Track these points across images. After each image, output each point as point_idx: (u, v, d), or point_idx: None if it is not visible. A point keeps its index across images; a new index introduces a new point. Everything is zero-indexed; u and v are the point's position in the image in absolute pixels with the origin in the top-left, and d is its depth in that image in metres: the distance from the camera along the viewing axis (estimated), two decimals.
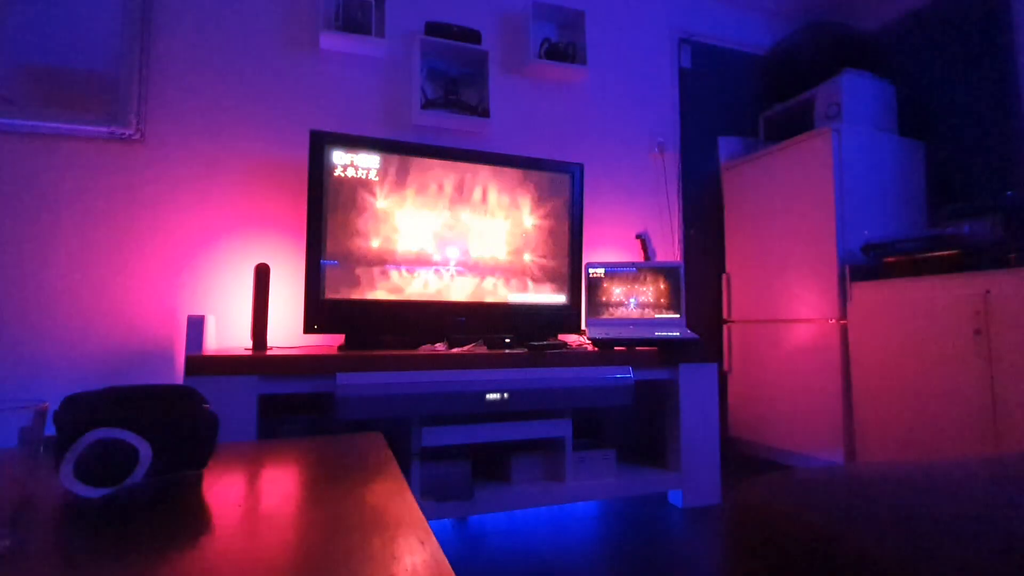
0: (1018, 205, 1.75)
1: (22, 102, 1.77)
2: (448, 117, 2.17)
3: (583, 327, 2.12)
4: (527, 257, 2.05)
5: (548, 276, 2.08)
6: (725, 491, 1.94)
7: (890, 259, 2.02)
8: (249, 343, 1.95)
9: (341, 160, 1.83)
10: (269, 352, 1.58)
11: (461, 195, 1.98)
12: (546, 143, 2.46)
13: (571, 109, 2.52)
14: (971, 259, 1.83)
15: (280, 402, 1.74)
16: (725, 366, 2.62)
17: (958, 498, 0.44)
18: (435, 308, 1.91)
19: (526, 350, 1.74)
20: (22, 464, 0.41)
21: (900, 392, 1.91)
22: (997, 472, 0.51)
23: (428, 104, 2.18)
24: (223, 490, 0.55)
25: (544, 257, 2.08)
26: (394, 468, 0.63)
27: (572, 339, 2.14)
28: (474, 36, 2.22)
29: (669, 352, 1.87)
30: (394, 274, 1.88)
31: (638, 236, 2.55)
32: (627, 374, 1.77)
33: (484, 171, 2.01)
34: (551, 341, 1.94)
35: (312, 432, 1.66)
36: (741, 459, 2.51)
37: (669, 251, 2.64)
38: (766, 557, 0.46)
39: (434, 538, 0.42)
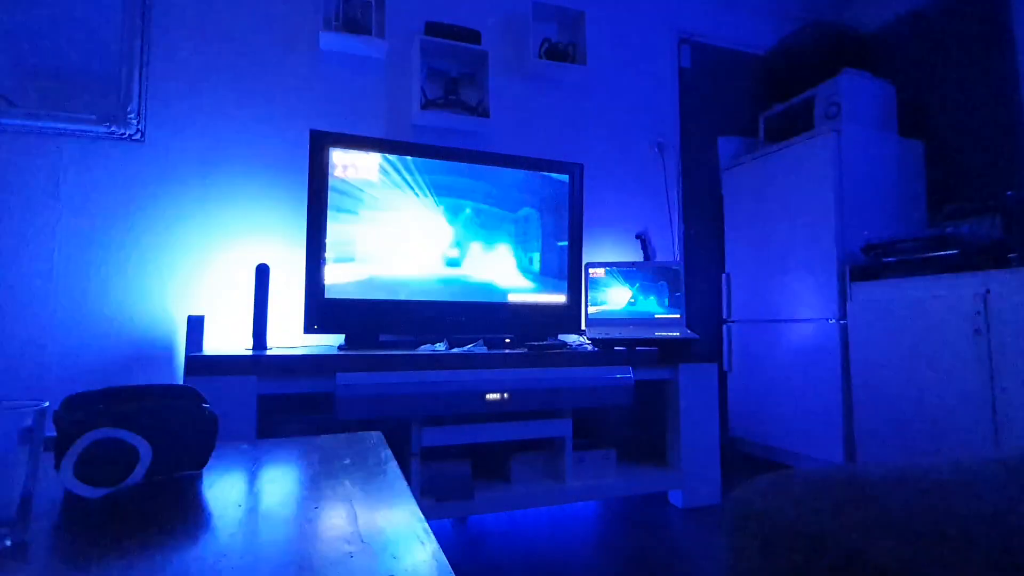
0: (1018, 205, 1.75)
1: (22, 102, 1.77)
2: (448, 117, 2.17)
3: (583, 327, 2.12)
4: (527, 257, 2.05)
5: (548, 276, 2.08)
6: (725, 491, 1.94)
7: (890, 259, 2.02)
8: (249, 343, 1.94)
9: (341, 160, 1.83)
10: (269, 352, 1.58)
11: (461, 195, 1.98)
12: (546, 143, 2.46)
13: (571, 109, 2.52)
14: (971, 259, 1.83)
15: (280, 402, 1.74)
16: (725, 366, 2.62)
17: (958, 498, 0.44)
18: (435, 308, 1.91)
19: (526, 350, 1.74)
20: (22, 464, 0.41)
21: (900, 392, 1.91)
22: (997, 472, 0.51)
23: (428, 104, 2.18)
24: (223, 490, 0.55)
25: (544, 257, 2.08)
26: (394, 467, 0.63)
27: (572, 339, 2.14)
28: (474, 36, 2.22)
29: (669, 352, 1.87)
30: (394, 274, 1.88)
31: (638, 236, 2.55)
32: (627, 374, 1.77)
33: (484, 171, 2.01)
34: (551, 341, 1.94)
35: (312, 432, 1.66)
36: (741, 459, 2.51)
37: (669, 251, 2.64)
38: (765, 558, 0.46)
39: (434, 538, 0.42)
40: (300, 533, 0.43)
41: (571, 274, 2.11)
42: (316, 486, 0.56)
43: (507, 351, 1.73)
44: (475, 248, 1.99)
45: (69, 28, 1.84)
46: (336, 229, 1.81)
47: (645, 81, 2.68)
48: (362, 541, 0.41)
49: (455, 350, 1.71)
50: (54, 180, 1.81)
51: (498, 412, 1.67)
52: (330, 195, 1.81)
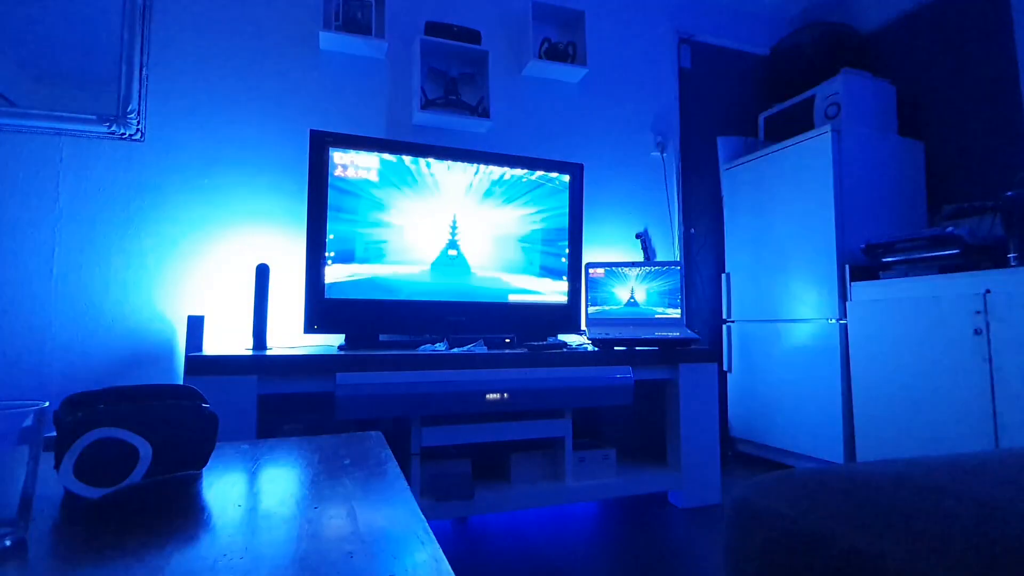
0: (1018, 205, 1.75)
1: (22, 102, 1.77)
2: (448, 117, 2.17)
3: (583, 327, 2.12)
4: (527, 257, 2.05)
5: (548, 276, 2.08)
6: (725, 491, 1.94)
7: (890, 259, 2.02)
8: (249, 343, 1.94)
9: (341, 160, 1.83)
10: (269, 352, 1.58)
11: (461, 195, 1.98)
12: (546, 143, 2.46)
13: (571, 109, 2.52)
14: (971, 259, 1.83)
15: (280, 402, 1.74)
16: (725, 366, 2.62)
17: (957, 498, 0.44)
18: (435, 308, 1.91)
19: (526, 350, 1.74)
20: (22, 464, 0.41)
21: (900, 392, 1.91)
22: (997, 472, 0.51)
23: (428, 104, 2.18)
24: (223, 490, 0.55)
25: (544, 257, 2.08)
26: (394, 467, 0.63)
27: (572, 339, 2.14)
28: (474, 36, 2.22)
29: (669, 352, 1.87)
30: (394, 274, 1.88)
31: (638, 236, 2.55)
32: (627, 374, 1.77)
33: (484, 171, 2.01)
34: (551, 341, 1.94)
35: (312, 432, 1.66)
36: (741, 459, 2.51)
37: (669, 251, 2.64)
38: (764, 557, 0.46)
39: (434, 538, 0.42)
40: (300, 533, 0.43)
41: (571, 274, 2.11)
42: (316, 486, 0.56)
43: (507, 351, 1.73)
44: (475, 248, 1.98)
45: (69, 27, 1.84)
46: (336, 229, 1.81)
47: (645, 81, 2.68)
48: (362, 541, 0.41)
49: (455, 350, 1.71)
50: (54, 180, 1.81)
51: (498, 412, 1.67)
52: (330, 195, 1.81)
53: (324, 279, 1.79)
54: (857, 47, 2.60)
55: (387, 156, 1.89)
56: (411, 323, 1.89)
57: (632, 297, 2.09)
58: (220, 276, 1.95)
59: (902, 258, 1.98)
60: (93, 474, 0.51)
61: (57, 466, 0.50)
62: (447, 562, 0.38)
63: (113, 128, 1.86)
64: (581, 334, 2.10)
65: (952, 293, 1.79)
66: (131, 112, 1.88)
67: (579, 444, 1.86)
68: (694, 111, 2.78)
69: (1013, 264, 1.70)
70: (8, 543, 0.40)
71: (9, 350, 1.72)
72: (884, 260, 2.04)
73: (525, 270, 2.05)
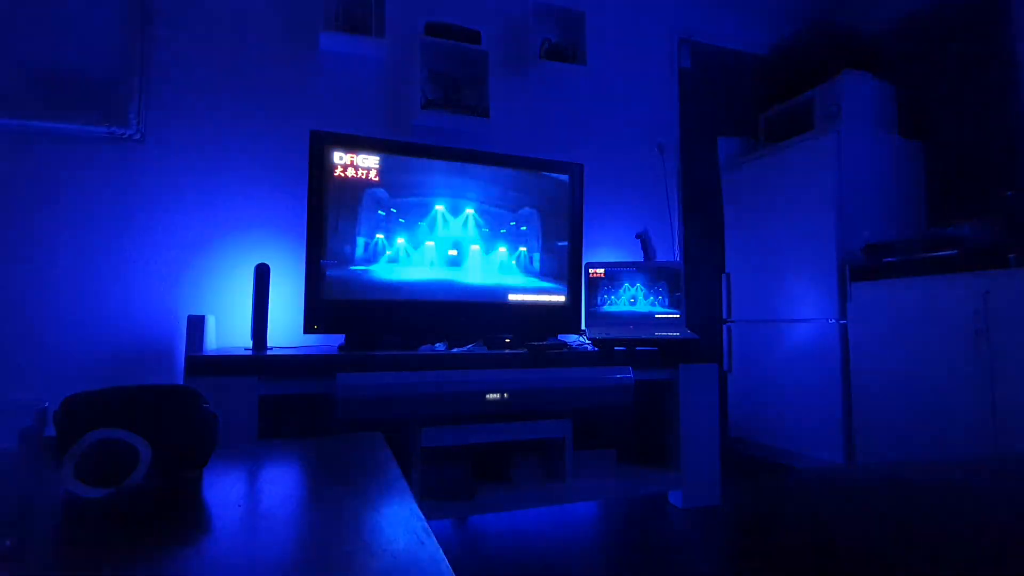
0: (1018, 205, 1.75)
1: (22, 103, 1.77)
2: (448, 117, 2.17)
3: (583, 327, 2.12)
4: (527, 257, 2.05)
5: (548, 276, 2.08)
6: (725, 491, 1.94)
7: (890, 259, 2.02)
8: (249, 343, 1.94)
9: (341, 160, 1.83)
10: (269, 352, 1.58)
11: (461, 195, 1.98)
12: (546, 143, 2.46)
13: (571, 109, 2.52)
14: (971, 259, 1.83)
15: (280, 402, 1.73)
16: (725, 366, 2.62)
17: (958, 498, 0.44)
18: (435, 308, 1.91)
19: (526, 350, 1.74)
20: (23, 464, 0.41)
21: (900, 392, 1.91)
22: (997, 472, 0.51)
23: (428, 104, 2.18)
24: (223, 490, 0.55)
25: (544, 257, 2.08)
26: (394, 468, 0.63)
27: (572, 339, 2.14)
28: (474, 36, 2.22)
29: (669, 352, 1.87)
30: (394, 274, 1.88)
31: (638, 236, 2.55)
32: (627, 374, 1.77)
33: (484, 171, 2.01)
34: (551, 341, 1.94)
35: (312, 433, 1.66)
36: (741, 459, 2.51)
37: (669, 251, 2.64)
38: (766, 558, 0.46)
39: (434, 538, 0.42)
40: (300, 533, 0.43)
41: (571, 274, 2.11)
42: (316, 486, 0.56)
43: (507, 351, 1.72)
44: (475, 248, 1.98)
45: (69, 29, 1.84)
46: (336, 229, 1.81)
47: (645, 81, 2.68)
48: (362, 541, 0.41)
49: (455, 350, 1.71)
50: (54, 180, 1.81)
51: (498, 412, 1.67)
52: (330, 195, 1.81)
53: (324, 279, 1.79)
54: (857, 47, 2.60)
55: (387, 156, 1.89)
56: (411, 323, 1.89)
57: (632, 297, 2.09)
58: (220, 276, 1.95)
59: (902, 259, 1.98)
60: (93, 475, 0.51)
61: (58, 466, 0.50)
62: (447, 562, 0.38)
63: (113, 129, 1.86)
64: (581, 334, 2.10)
65: (952, 294, 1.79)
66: (131, 113, 1.88)
67: (579, 444, 1.86)
68: (694, 111, 2.78)
69: (1013, 264, 1.70)
70: (8, 543, 0.40)
71: (10, 350, 1.72)
72: (884, 261, 2.04)
73: (525, 270, 2.05)
